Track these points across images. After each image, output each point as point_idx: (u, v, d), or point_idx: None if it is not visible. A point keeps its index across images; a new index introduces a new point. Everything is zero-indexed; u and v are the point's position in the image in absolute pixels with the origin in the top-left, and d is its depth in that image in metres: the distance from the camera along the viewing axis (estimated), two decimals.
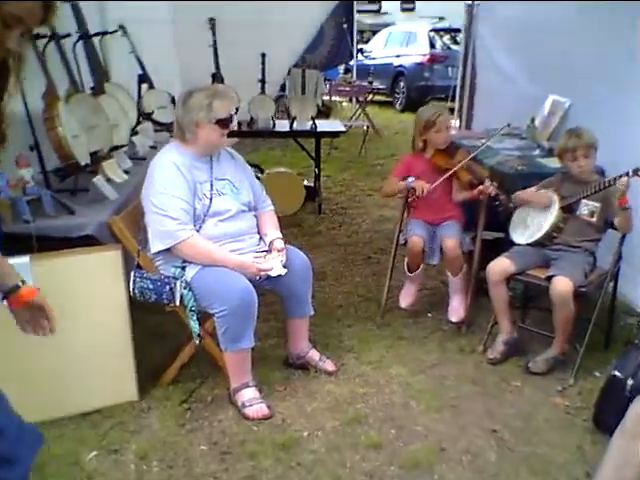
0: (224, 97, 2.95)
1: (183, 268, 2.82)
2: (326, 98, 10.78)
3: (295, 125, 5.60)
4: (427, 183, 3.63)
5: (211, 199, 2.90)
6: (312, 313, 3.24)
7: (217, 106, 2.90)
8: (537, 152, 4.45)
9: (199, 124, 2.89)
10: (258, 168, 6.34)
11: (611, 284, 3.41)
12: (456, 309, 3.72)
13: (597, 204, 3.29)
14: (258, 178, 5.76)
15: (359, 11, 19.58)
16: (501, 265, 3.34)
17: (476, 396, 3.09)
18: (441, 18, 15.84)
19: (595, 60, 3.95)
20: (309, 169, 6.92)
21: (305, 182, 6.41)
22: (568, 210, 3.34)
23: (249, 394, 2.86)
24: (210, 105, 2.88)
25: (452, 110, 6.88)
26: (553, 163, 4.03)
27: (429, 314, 3.97)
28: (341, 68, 12.91)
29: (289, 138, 6.20)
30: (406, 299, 3.87)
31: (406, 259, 3.80)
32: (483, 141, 4.07)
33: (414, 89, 13.11)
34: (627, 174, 2.99)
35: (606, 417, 2.81)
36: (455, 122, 6.93)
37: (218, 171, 3.01)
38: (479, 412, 2.96)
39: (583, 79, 4.15)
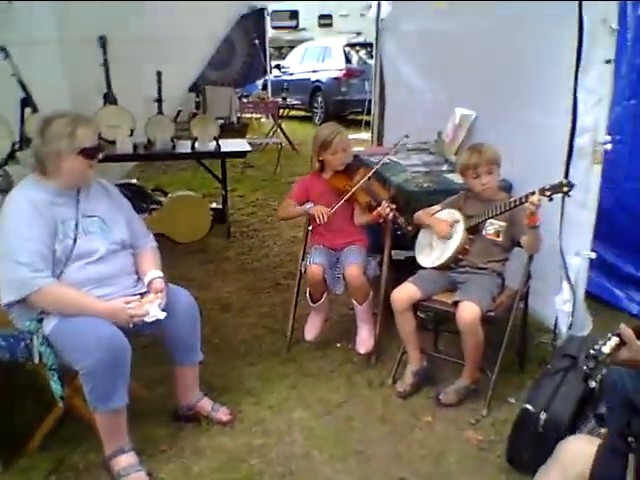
0: (87, 124, 2.60)
1: (40, 321, 2.43)
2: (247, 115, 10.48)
3: (197, 146, 5.24)
4: (327, 207, 3.37)
5: (75, 239, 2.53)
6: (201, 359, 2.89)
7: (81, 134, 2.54)
8: (445, 167, 4.26)
9: (61, 155, 2.52)
10: (161, 191, 5.96)
11: (522, 303, 3.22)
12: (364, 340, 3.46)
13: (503, 223, 3.10)
14: (159, 203, 5.49)
15: (276, 27, 19.45)
16: (406, 292, 3.10)
17: (384, 438, 2.83)
18: (358, 33, 15.82)
19: (500, 73, 3.79)
20: (220, 190, 6.57)
21: (214, 204, 6.07)
22: (474, 231, 3.13)
23: (125, 461, 2.48)
24: (73, 133, 2.52)
25: (368, 123, 6.72)
26: (458, 178, 3.87)
27: (338, 344, 3.70)
28: (260, 84, 12.63)
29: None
30: (311, 332, 3.59)
31: (308, 289, 3.52)
32: (382, 157, 3.84)
33: (332, 103, 12.99)
34: (534, 193, 2.82)
35: (520, 453, 2.60)
36: (369, 137, 6.76)
37: (86, 207, 2.64)
38: (387, 457, 2.69)
39: (488, 93, 3.99)
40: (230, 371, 3.37)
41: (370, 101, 6.58)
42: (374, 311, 3.51)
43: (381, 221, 3.36)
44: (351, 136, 10.13)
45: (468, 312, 2.89)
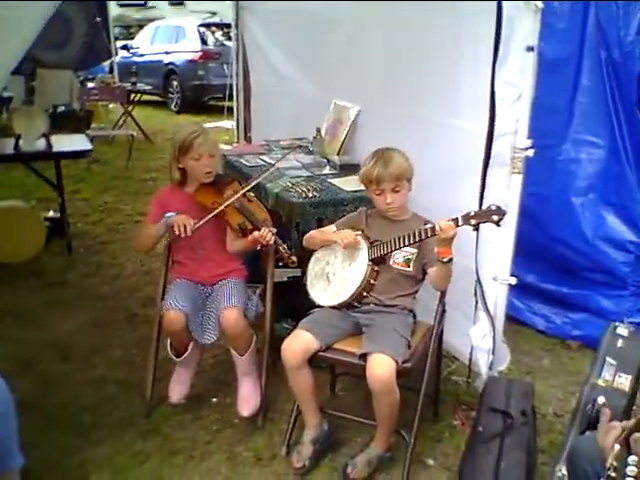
0: None
1: None
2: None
3: (22, 145, 4.16)
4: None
5: None
6: (21, 463, 2.02)
7: None
8: (327, 170, 3.60)
9: None
10: None
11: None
12: (247, 398, 2.71)
13: (413, 250, 2.49)
14: None
15: (123, 5, 17.85)
16: (300, 343, 2.39)
17: None
18: (213, 13, 14.78)
19: (396, 62, 3.16)
20: None
21: (50, 213, 4.99)
22: (379, 261, 2.48)
23: None
24: None
25: (231, 109, 5.93)
26: (348, 185, 3.22)
27: (214, 399, 2.92)
28: (107, 66, 11.26)
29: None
30: (178, 391, 2.78)
31: (169, 339, 2.71)
32: (264, 161, 3.11)
33: (189, 88, 11.92)
34: (455, 220, 2.21)
35: None
36: (233, 125, 5.95)
37: None
38: None
39: (380, 85, 3.36)
40: (69, 458, 2.49)
41: (231, 86, 5.86)
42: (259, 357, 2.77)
43: (259, 247, 2.64)
44: (213, 124, 9.37)
45: (381, 368, 2.25)
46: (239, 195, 2.65)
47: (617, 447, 1.34)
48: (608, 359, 2.46)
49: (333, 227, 2.68)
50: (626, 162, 3.20)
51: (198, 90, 11.77)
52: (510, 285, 2.70)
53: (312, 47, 3.99)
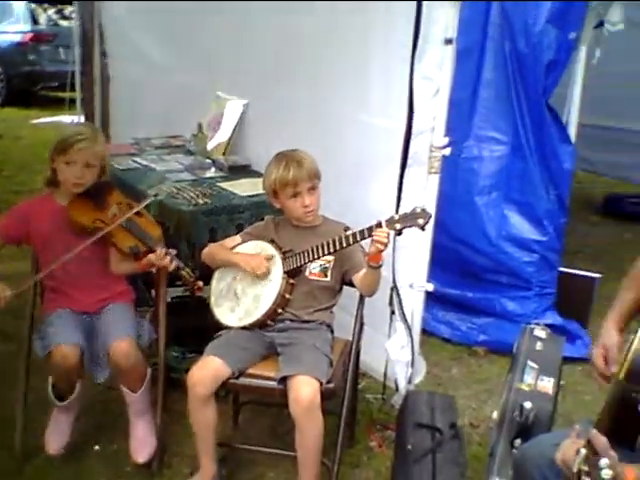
0: None
1: None
2: None
3: None
4: (63, 251, 2.42)
5: None
6: None
7: None
8: (213, 172, 3.53)
9: None
10: None
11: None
12: (143, 442, 2.55)
13: (330, 258, 2.48)
14: None
15: None
16: (210, 370, 2.31)
17: None
18: None
19: (282, 55, 3.15)
20: None
21: None
22: (295, 273, 2.46)
23: None
24: None
25: (73, 101, 5.61)
26: (242, 189, 3.18)
27: (96, 446, 2.72)
28: None
29: None
30: (56, 440, 2.56)
31: (50, 380, 2.50)
32: (139, 163, 2.96)
33: (17, 76, 11.11)
34: (379, 224, 2.24)
35: None
36: (75, 120, 5.67)
37: None
38: None
39: (266, 75, 3.32)
40: None
41: (73, 73, 5.57)
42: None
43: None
44: (48, 119, 8.78)
45: (306, 391, 2.22)
46: (131, 213, 2.50)
47: (583, 452, 1.41)
48: (529, 362, 2.61)
49: (237, 238, 2.62)
50: (530, 158, 3.42)
51: (28, 78, 11.01)
52: (427, 292, 2.79)
53: (190, 31, 3.88)
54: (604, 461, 1.34)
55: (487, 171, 3.51)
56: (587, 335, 3.60)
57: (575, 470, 1.39)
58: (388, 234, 2.21)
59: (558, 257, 3.62)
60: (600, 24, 3.45)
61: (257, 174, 3.26)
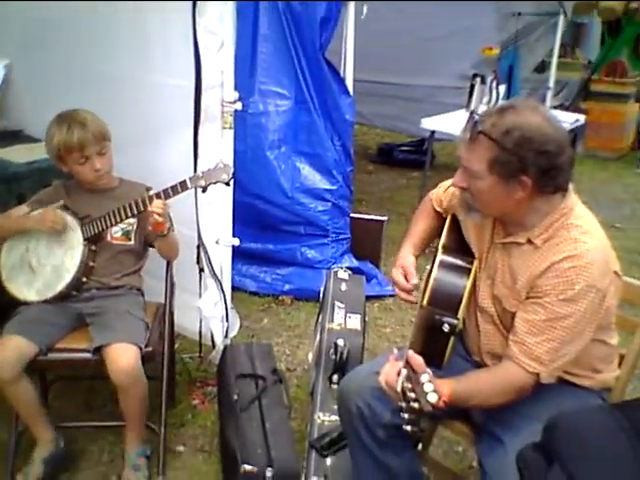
0: None
1: None
2: None
3: None
4: None
5: None
6: None
7: None
8: None
9: None
10: None
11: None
12: None
13: (132, 220, 2.40)
14: None
15: None
16: (13, 350, 2.16)
17: None
18: None
19: (45, 12, 2.92)
20: None
21: None
22: (96, 239, 2.34)
23: None
24: None
25: None
26: (18, 156, 2.96)
27: None
28: None
29: None
30: None
31: None
32: None
33: None
34: (183, 183, 2.23)
35: None
36: None
37: None
38: None
39: (29, 34, 3.07)
40: None
41: None
42: None
43: None
44: None
45: (125, 358, 2.17)
46: None
47: (404, 371, 1.54)
48: (337, 303, 2.77)
49: (24, 208, 2.43)
50: (314, 111, 3.54)
51: None
52: (234, 247, 2.81)
53: None
54: (425, 376, 1.47)
55: (275, 125, 3.57)
56: (380, 274, 3.86)
57: (399, 389, 1.51)
58: (164, 204, 2.20)
59: (349, 204, 3.82)
60: None
61: (32, 139, 3.08)
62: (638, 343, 1.92)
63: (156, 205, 2.20)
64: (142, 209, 2.26)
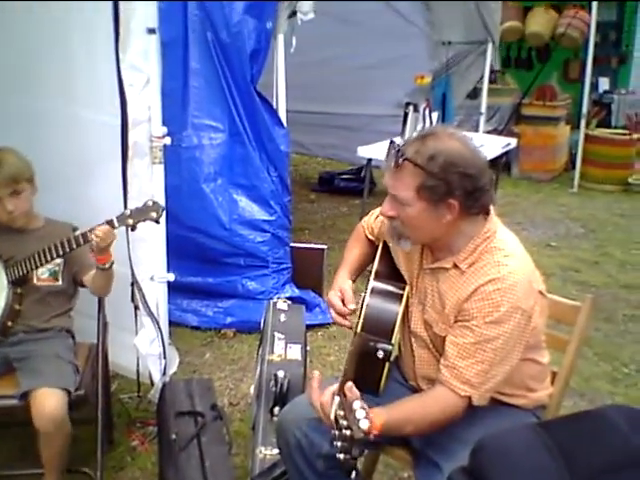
0: None
1: None
2: None
3: None
4: None
5: None
6: None
7: None
8: None
9: None
10: None
11: None
12: None
13: (58, 260, 2.34)
14: None
15: None
16: None
17: None
18: None
19: None
20: None
21: None
22: (21, 281, 2.27)
23: None
24: None
25: None
26: None
27: None
28: None
29: None
30: None
31: None
32: None
33: None
34: (111, 222, 2.17)
35: None
36: None
37: None
38: None
39: None
40: None
41: None
42: None
43: None
44: None
45: (49, 403, 2.09)
46: None
47: (337, 399, 1.52)
48: (276, 334, 2.74)
49: None
50: (249, 143, 3.53)
51: None
52: (169, 283, 2.76)
53: None
54: (357, 403, 1.46)
55: (209, 158, 3.56)
56: (323, 302, 3.85)
57: (332, 416, 1.50)
58: (108, 231, 2.16)
59: (288, 233, 3.81)
60: (294, 14, 3.67)
61: None
62: (569, 360, 1.95)
63: (101, 229, 2.14)
64: (67, 249, 2.20)
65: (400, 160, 1.65)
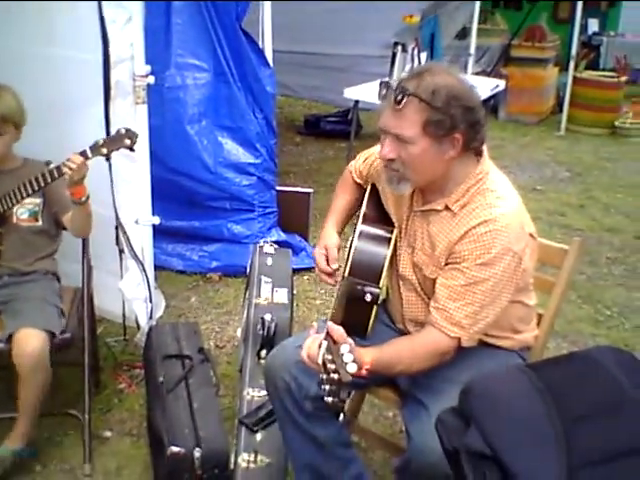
0: None
1: None
2: None
3: None
4: None
5: None
6: None
7: None
8: None
9: None
10: None
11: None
12: None
13: (37, 200, 2.31)
14: None
15: None
16: None
17: None
18: None
19: None
20: None
21: None
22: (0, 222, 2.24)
23: None
24: None
25: None
26: None
27: None
28: None
29: None
30: None
31: None
32: None
33: None
34: (84, 153, 2.13)
35: None
36: None
37: None
38: None
39: None
40: None
41: None
42: None
43: None
44: None
45: (30, 344, 2.08)
46: None
47: (325, 343, 1.53)
48: (263, 278, 2.73)
49: None
50: (234, 84, 3.44)
51: None
52: (154, 226, 2.73)
53: None
54: (345, 347, 1.46)
55: (194, 99, 3.47)
56: (309, 246, 3.84)
57: (320, 361, 1.50)
58: (81, 162, 2.11)
59: (274, 177, 3.76)
60: None
61: None
62: (555, 303, 1.96)
63: (72, 160, 2.10)
64: (42, 184, 2.16)
65: (403, 97, 1.61)
